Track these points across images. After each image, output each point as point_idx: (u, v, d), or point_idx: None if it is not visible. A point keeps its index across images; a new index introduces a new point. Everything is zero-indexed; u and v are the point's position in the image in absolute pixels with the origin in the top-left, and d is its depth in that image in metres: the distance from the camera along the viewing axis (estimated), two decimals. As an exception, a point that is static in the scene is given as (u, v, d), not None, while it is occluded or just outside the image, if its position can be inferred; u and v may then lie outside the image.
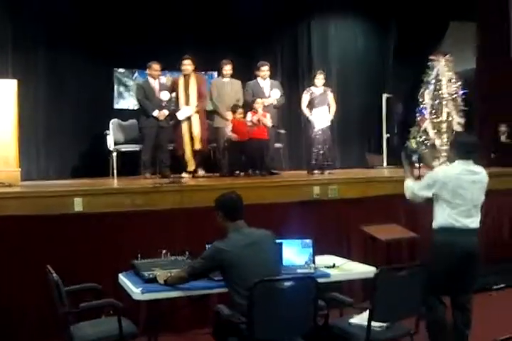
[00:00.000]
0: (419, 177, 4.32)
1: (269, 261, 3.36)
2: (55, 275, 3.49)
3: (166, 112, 7.20)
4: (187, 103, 7.09)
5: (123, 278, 3.85)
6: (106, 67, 8.21)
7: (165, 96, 7.22)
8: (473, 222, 3.86)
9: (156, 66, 7.29)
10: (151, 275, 3.64)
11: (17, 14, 7.73)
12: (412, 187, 4.05)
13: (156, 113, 7.11)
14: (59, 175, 7.62)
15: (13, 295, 4.67)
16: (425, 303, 3.77)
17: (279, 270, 3.42)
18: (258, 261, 3.29)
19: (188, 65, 7.13)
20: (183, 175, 7.07)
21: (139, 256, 4.03)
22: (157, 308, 3.80)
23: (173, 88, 7.26)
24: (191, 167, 7.14)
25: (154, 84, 7.31)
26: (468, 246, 3.82)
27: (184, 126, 7.09)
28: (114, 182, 6.68)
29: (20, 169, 6.09)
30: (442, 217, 3.85)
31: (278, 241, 3.71)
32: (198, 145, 7.11)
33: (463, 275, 3.84)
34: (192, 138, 7.09)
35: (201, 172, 7.36)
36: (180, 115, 7.09)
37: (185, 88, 7.10)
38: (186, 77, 7.15)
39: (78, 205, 4.90)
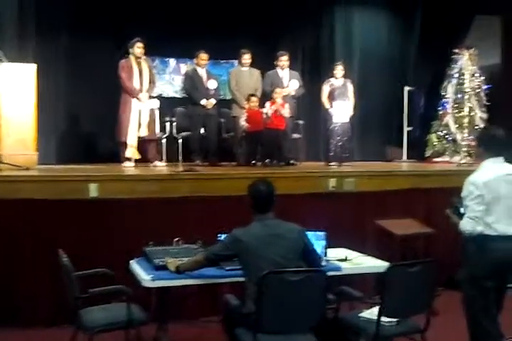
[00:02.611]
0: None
1: (289, 253, 3.29)
2: (65, 259, 3.51)
3: (213, 101, 7.26)
4: (141, 87, 6.77)
5: (134, 265, 3.85)
6: (126, 53, 8.20)
7: (212, 85, 7.27)
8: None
9: (203, 55, 7.31)
10: (161, 263, 3.63)
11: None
12: (466, 218, 3.58)
13: (203, 101, 7.17)
14: (76, 160, 7.64)
15: (24, 278, 4.71)
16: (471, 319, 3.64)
17: (299, 263, 3.33)
18: (275, 252, 3.24)
19: (142, 47, 6.78)
20: (126, 163, 6.73)
21: (151, 243, 4.02)
22: (167, 296, 3.79)
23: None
24: (134, 154, 6.73)
25: (202, 72, 7.34)
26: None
27: (134, 112, 6.70)
28: (133, 169, 6.67)
29: (37, 153, 6.12)
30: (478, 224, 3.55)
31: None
32: (144, 132, 6.75)
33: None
34: (139, 125, 6.72)
35: (158, 163, 6.96)
36: (153, 104, 6.84)
37: (140, 72, 6.79)
38: (138, 60, 6.82)
39: (93, 191, 4.91)
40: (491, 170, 3.60)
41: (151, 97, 6.92)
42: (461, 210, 3.64)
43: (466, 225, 3.54)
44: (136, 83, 6.73)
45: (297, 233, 3.41)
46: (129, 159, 6.74)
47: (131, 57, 6.80)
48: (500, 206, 3.54)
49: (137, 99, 6.71)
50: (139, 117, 6.74)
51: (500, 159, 3.65)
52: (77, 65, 8.09)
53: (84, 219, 4.86)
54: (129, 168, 6.60)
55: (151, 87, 6.91)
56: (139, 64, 6.80)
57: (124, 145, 6.71)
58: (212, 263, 3.50)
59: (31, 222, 4.76)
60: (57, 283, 4.24)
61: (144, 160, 6.94)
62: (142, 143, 6.81)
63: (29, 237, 4.75)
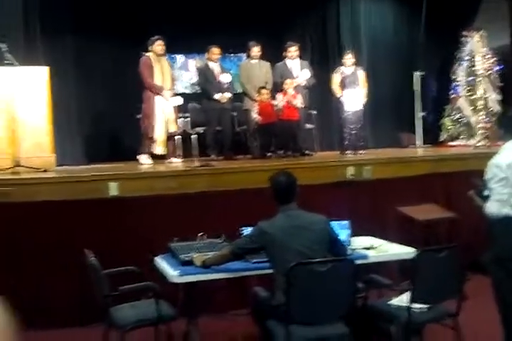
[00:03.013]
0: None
1: (314, 243, 3.27)
2: (93, 258, 3.52)
3: (228, 95, 7.24)
4: (163, 84, 6.75)
5: (159, 261, 3.86)
6: (136, 51, 8.19)
7: (225, 78, 7.24)
8: None
9: (215, 50, 7.28)
10: (187, 258, 3.64)
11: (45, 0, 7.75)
12: (491, 200, 3.52)
13: (217, 96, 7.15)
14: (93, 160, 7.67)
15: (52, 280, 4.73)
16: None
17: (325, 254, 3.31)
18: (302, 243, 3.23)
19: (163, 45, 6.77)
20: (145, 160, 6.68)
21: (176, 239, 4.03)
22: (194, 290, 3.79)
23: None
24: (162, 150, 6.75)
25: (214, 67, 7.32)
26: None
27: (160, 111, 6.70)
28: (150, 166, 6.67)
29: (54, 154, 6.14)
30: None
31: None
32: (173, 128, 6.80)
33: None
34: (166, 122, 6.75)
35: (174, 159, 6.87)
36: (176, 101, 6.87)
37: (162, 70, 6.78)
38: (159, 57, 6.81)
39: (113, 189, 4.92)
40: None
41: (175, 94, 6.92)
42: (485, 193, 3.60)
43: (492, 208, 3.51)
44: (158, 80, 6.72)
45: (321, 224, 3.39)
46: (149, 154, 6.71)
47: (152, 55, 6.79)
48: None
49: (161, 96, 6.69)
50: (164, 114, 6.73)
51: None
52: (86, 64, 8.09)
53: (106, 218, 4.88)
54: (147, 164, 6.59)
55: (172, 84, 6.91)
56: (159, 61, 6.80)
57: (150, 140, 6.69)
58: (238, 257, 3.49)
59: (52, 223, 4.78)
60: (82, 283, 4.28)
61: (158, 156, 6.94)
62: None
63: (51, 239, 4.76)
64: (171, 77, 6.89)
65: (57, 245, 4.75)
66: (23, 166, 5.63)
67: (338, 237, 3.52)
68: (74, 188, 4.95)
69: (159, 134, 6.69)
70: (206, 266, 3.51)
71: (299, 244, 3.24)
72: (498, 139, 7.56)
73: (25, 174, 5.48)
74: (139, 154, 6.76)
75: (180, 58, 8.98)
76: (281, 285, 3.16)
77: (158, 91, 6.69)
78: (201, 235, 4.10)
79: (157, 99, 6.69)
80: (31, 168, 5.64)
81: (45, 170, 5.69)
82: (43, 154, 5.94)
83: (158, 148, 6.74)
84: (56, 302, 4.75)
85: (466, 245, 3.75)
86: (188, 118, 7.86)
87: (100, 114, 8.26)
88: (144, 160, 6.68)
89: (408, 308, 3.30)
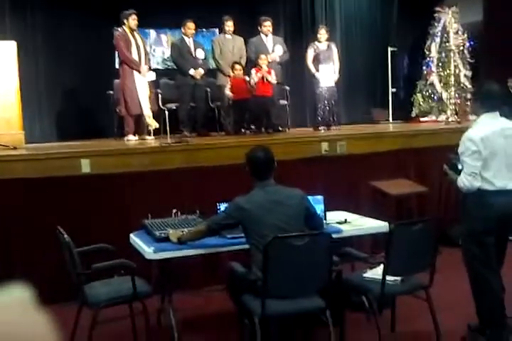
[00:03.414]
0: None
1: (291, 218, 3.27)
2: (66, 236, 3.48)
3: (202, 71, 7.12)
4: (139, 59, 6.61)
5: (134, 238, 3.83)
6: (106, 26, 8.03)
7: (200, 54, 7.13)
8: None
9: (190, 24, 7.14)
10: (162, 235, 3.61)
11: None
12: (463, 174, 3.54)
13: (192, 71, 7.04)
14: (63, 137, 7.56)
15: (23, 258, 4.67)
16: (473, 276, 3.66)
17: (302, 228, 3.32)
18: (279, 218, 3.23)
19: (137, 19, 6.61)
20: (130, 137, 6.56)
21: (150, 215, 4.00)
22: (169, 267, 3.79)
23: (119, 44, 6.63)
24: (154, 125, 6.68)
25: (189, 42, 7.20)
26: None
27: (141, 86, 6.59)
28: (122, 143, 6.59)
29: (23, 131, 6.02)
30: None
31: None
32: (153, 106, 6.75)
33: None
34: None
35: (147, 136, 6.76)
36: (151, 76, 6.77)
37: (137, 45, 6.65)
38: (132, 32, 6.66)
39: (86, 166, 4.86)
40: (488, 125, 3.57)
41: (150, 70, 6.80)
42: (459, 166, 3.64)
43: (464, 181, 3.54)
44: (134, 55, 6.57)
45: (298, 199, 3.37)
46: (135, 132, 6.60)
47: (126, 29, 6.62)
48: (498, 161, 3.52)
49: (138, 71, 6.56)
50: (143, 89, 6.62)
51: (496, 114, 3.61)
52: (56, 40, 7.93)
53: (79, 195, 4.81)
54: (132, 141, 6.46)
55: (147, 59, 6.77)
56: (133, 36, 6.65)
57: (134, 118, 6.56)
58: (214, 233, 3.48)
59: (25, 201, 4.70)
60: (55, 262, 4.23)
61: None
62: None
63: (24, 217, 4.69)
64: (145, 52, 6.76)
65: (30, 223, 4.68)
66: (-9, 143, 5.53)
67: (315, 211, 3.53)
68: (45, 165, 4.86)
69: (147, 110, 6.57)
70: (182, 242, 3.49)
71: (276, 219, 3.23)
72: (468, 114, 7.64)
73: (-6, 151, 5.38)
74: (127, 134, 6.61)
75: (152, 33, 8.83)
76: (258, 260, 3.16)
77: (136, 66, 6.57)
78: (175, 212, 4.07)
79: (136, 75, 6.57)
80: (0, 145, 5.53)
81: (14, 148, 5.59)
82: (12, 131, 5.83)
83: (151, 122, 6.62)
84: (30, 280, 4.69)
85: (435, 218, 3.79)
86: (160, 95, 7.75)
87: (70, 91, 8.11)
88: (132, 137, 6.58)
89: (382, 281, 3.34)
